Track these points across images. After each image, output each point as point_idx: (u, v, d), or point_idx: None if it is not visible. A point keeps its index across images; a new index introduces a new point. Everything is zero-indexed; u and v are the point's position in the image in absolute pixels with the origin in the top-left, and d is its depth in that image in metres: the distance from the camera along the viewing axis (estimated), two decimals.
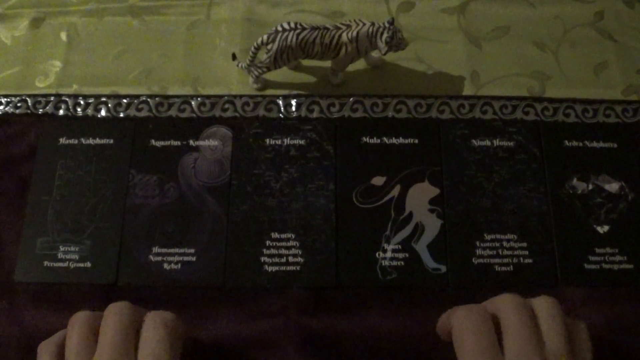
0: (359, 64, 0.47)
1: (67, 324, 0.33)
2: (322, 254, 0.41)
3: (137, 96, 0.47)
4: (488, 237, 0.42)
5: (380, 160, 0.44)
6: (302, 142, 0.44)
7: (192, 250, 0.41)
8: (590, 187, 0.43)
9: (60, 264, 0.41)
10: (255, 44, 0.43)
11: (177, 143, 0.45)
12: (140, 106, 0.47)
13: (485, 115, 0.46)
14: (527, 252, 0.41)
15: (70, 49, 0.50)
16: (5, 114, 0.47)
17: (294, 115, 0.46)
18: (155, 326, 0.31)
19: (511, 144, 0.44)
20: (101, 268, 0.41)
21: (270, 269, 0.41)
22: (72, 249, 0.42)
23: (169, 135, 0.45)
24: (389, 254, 0.41)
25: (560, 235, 0.41)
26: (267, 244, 0.41)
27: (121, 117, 0.46)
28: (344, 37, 0.42)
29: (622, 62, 0.48)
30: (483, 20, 0.50)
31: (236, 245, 0.41)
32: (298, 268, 0.41)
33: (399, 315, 0.39)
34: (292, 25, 0.42)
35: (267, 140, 0.45)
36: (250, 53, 0.44)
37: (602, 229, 0.42)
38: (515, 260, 0.41)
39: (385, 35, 0.42)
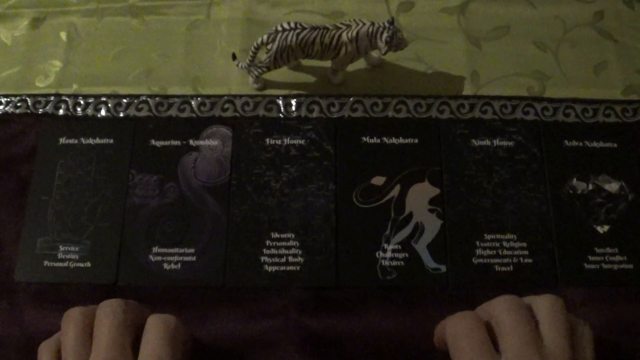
0: (359, 64, 0.47)
1: None
2: (322, 254, 0.41)
3: (137, 96, 0.47)
4: (488, 237, 0.42)
5: (380, 160, 0.44)
6: (302, 142, 0.44)
7: (192, 250, 0.41)
8: (590, 187, 0.43)
9: (60, 264, 0.41)
10: (255, 44, 0.43)
11: (177, 143, 0.45)
12: (140, 106, 0.47)
13: (485, 115, 0.46)
14: (527, 252, 0.41)
15: (70, 49, 0.50)
16: (5, 114, 0.47)
17: (294, 115, 0.46)
18: (156, 328, 0.32)
19: (511, 144, 0.44)
20: (101, 268, 0.41)
21: (270, 269, 0.41)
22: (72, 249, 0.42)
23: (169, 135, 0.45)
24: (389, 254, 0.41)
25: (560, 235, 0.41)
26: (267, 244, 0.41)
27: (121, 117, 0.46)
28: (344, 37, 0.42)
29: (622, 62, 0.48)
30: (483, 20, 0.50)
31: (236, 245, 0.41)
32: (298, 268, 0.41)
33: (399, 315, 0.39)
34: (292, 25, 0.42)
35: (267, 140, 0.45)
36: (250, 53, 0.44)
37: (602, 229, 0.42)
38: (515, 260, 0.41)
39: (385, 35, 0.42)
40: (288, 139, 0.45)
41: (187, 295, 0.40)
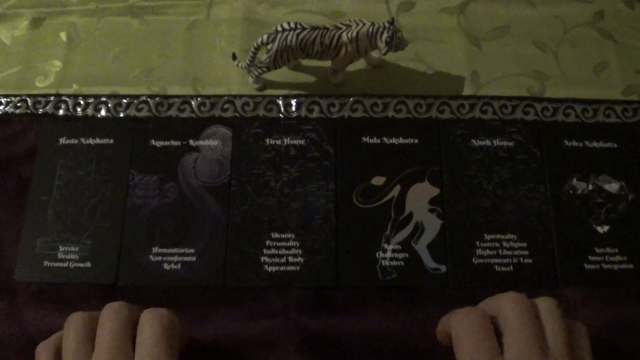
0: (359, 64, 0.47)
1: None
2: (322, 254, 0.41)
3: (137, 96, 0.47)
4: (488, 237, 0.42)
5: (380, 160, 0.44)
6: (302, 142, 0.44)
7: (192, 250, 0.41)
8: (590, 187, 0.43)
9: (60, 264, 0.41)
10: (255, 44, 0.43)
11: (177, 143, 0.45)
12: (140, 106, 0.47)
13: (485, 115, 0.46)
14: (527, 252, 0.41)
15: (70, 49, 0.50)
16: (5, 114, 0.47)
17: (294, 115, 0.46)
18: (151, 323, 0.31)
19: (511, 144, 0.44)
20: (101, 268, 0.41)
21: (270, 269, 0.41)
22: (72, 249, 0.42)
23: (169, 135, 0.45)
24: (389, 254, 0.41)
25: (560, 235, 0.41)
26: (267, 244, 0.41)
27: (121, 117, 0.46)
28: (344, 37, 0.42)
29: (622, 62, 0.48)
30: (483, 20, 0.50)
31: (236, 245, 0.41)
32: (298, 268, 0.41)
33: (399, 315, 0.39)
34: (292, 25, 0.42)
35: (267, 140, 0.45)
36: (250, 53, 0.44)
37: (602, 229, 0.42)
38: (515, 260, 0.41)
39: (385, 35, 0.42)
40: (288, 139, 0.45)
41: (187, 295, 0.40)
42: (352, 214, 0.42)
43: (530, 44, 0.49)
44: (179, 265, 0.41)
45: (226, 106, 0.46)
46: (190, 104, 0.47)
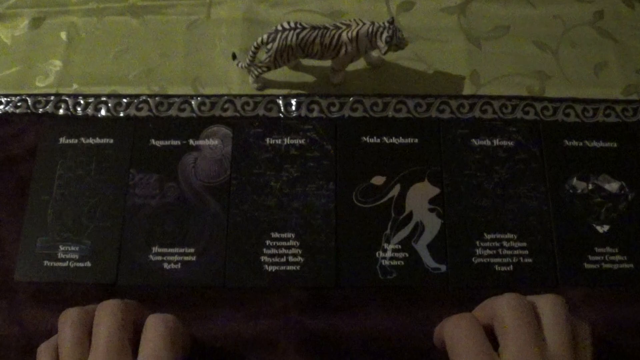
0: (359, 64, 0.47)
1: None
2: (322, 254, 0.41)
3: (137, 96, 0.47)
4: (488, 236, 0.42)
5: (380, 160, 0.44)
6: (302, 141, 0.44)
7: (192, 250, 0.41)
8: (590, 186, 0.43)
9: (60, 264, 0.41)
10: (255, 44, 0.43)
11: (177, 143, 0.45)
12: (140, 106, 0.47)
13: (485, 115, 0.46)
14: (527, 252, 0.41)
15: (70, 49, 0.50)
16: (5, 113, 0.47)
17: (294, 114, 0.46)
18: (155, 328, 0.31)
19: (511, 143, 0.44)
20: (101, 268, 0.41)
21: (270, 268, 0.41)
22: (72, 248, 0.42)
23: (169, 134, 0.45)
24: (389, 254, 0.41)
25: (560, 235, 0.41)
26: (267, 244, 0.41)
27: (121, 117, 0.46)
28: (344, 37, 0.42)
29: (622, 62, 0.48)
30: (483, 20, 0.50)
31: (236, 245, 0.41)
32: (298, 268, 0.41)
33: (399, 315, 0.39)
34: (292, 24, 0.42)
35: (267, 140, 0.45)
36: (250, 53, 0.44)
37: (602, 229, 0.42)
38: (515, 260, 0.41)
39: (385, 34, 0.42)
40: (288, 138, 0.45)
41: (187, 295, 0.40)
42: (352, 214, 0.42)
43: (530, 43, 0.49)
44: (179, 265, 0.41)
45: (226, 106, 0.46)
46: (190, 104, 0.47)
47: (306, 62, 0.48)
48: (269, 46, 0.43)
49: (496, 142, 0.44)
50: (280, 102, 0.46)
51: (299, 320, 0.39)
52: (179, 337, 0.32)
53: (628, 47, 0.49)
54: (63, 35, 0.51)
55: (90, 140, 0.45)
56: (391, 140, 0.44)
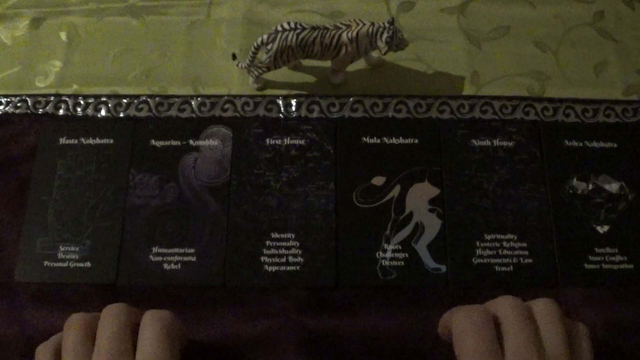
0: (359, 64, 0.47)
1: None
2: (322, 254, 0.41)
3: (137, 96, 0.47)
4: (488, 237, 0.42)
5: (380, 160, 0.44)
6: (302, 142, 0.44)
7: (192, 250, 0.41)
8: (590, 187, 0.43)
9: (60, 264, 0.41)
10: (255, 44, 0.43)
11: (177, 143, 0.45)
12: (140, 106, 0.47)
13: (485, 115, 0.46)
14: (527, 252, 0.41)
15: (70, 49, 0.50)
16: (5, 114, 0.47)
17: (294, 115, 0.46)
18: (152, 325, 0.31)
19: (511, 144, 0.44)
20: (101, 268, 0.41)
21: (270, 269, 0.41)
22: (72, 248, 0.42)
23: (169, 135, 0.45)
24: (389, 254, 0.41)
25: (560, 235, 0.41)
26: (267, 244, 0.41)
27: (121, 117, 0.46)
28: (344, 37, 0.42)
29: (622, 62, 0.48)
30: (483, 20, 0.50)
31: (236, 245, 0.41)
32: (298, 268, 0.41)
33: (399, 315, 0.39)
34: (292, 25, 0.42)
35: (267, 140, 0.45)
36: (250, 53, 0.44)
37: (602, 229, 0.42)
38: (515, 260, 0.41)
39: (385, 35, 0.42)
40: (288, 139, 0.45)
41: (187, 295, 0.40)
42: (352, 214, 0.42)
43: (530, 44, 0.49)
44: (179, 265, 0.41)
45: (226, 106, 0.46)
46: (190, 104, 0.47)
47: (306, 62, 0.48)
48: (269, 46, 0.43)
49: (496, 142, 0.44)
50: (280, 102, 0.47)
51: (299, 320, 0.39)
52: (176, 332, 0.32)
53: (628, 48, 0.49)
54: (63, 35, 0.51)
55: (90, 141, 0.45)
56: (391, 141, 0.44)
